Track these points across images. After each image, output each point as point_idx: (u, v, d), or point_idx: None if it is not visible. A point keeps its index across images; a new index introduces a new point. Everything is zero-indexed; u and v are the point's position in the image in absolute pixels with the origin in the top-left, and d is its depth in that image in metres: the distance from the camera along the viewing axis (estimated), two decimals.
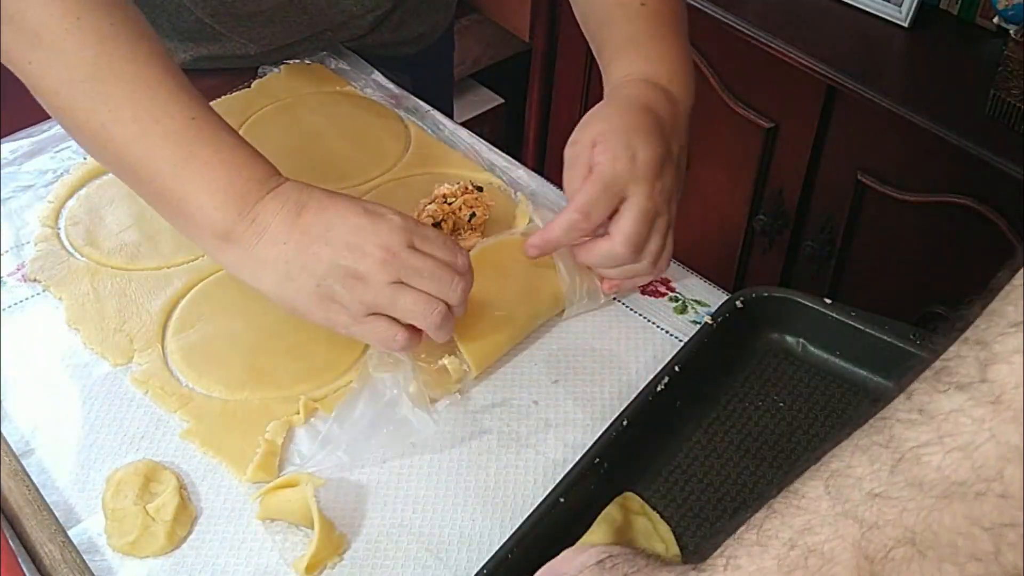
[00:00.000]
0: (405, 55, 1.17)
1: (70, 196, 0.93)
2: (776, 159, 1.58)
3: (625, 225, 0.78)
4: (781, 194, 1.59)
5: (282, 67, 1.09)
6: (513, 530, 0.64)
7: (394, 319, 0.71)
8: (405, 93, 1.07)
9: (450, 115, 1.08)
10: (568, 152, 0.81)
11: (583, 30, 0.93)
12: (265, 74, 1.08)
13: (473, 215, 0.89)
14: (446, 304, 0.71)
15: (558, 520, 0.66)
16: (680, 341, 0.81)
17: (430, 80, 1.19)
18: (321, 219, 0.71)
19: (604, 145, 0.78)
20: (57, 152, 0.98)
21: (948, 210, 1.38)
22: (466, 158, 1.00)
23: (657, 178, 0.78)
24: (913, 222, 1.44)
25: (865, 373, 0.77)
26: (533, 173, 0.98)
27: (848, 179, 1.49)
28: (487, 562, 0.62)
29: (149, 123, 0.71)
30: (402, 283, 0.70)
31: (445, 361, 0.77)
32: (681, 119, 0.84)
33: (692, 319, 0.84)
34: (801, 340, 0.79)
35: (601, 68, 0.89)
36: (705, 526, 0.68)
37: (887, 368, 0.76)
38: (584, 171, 0.78)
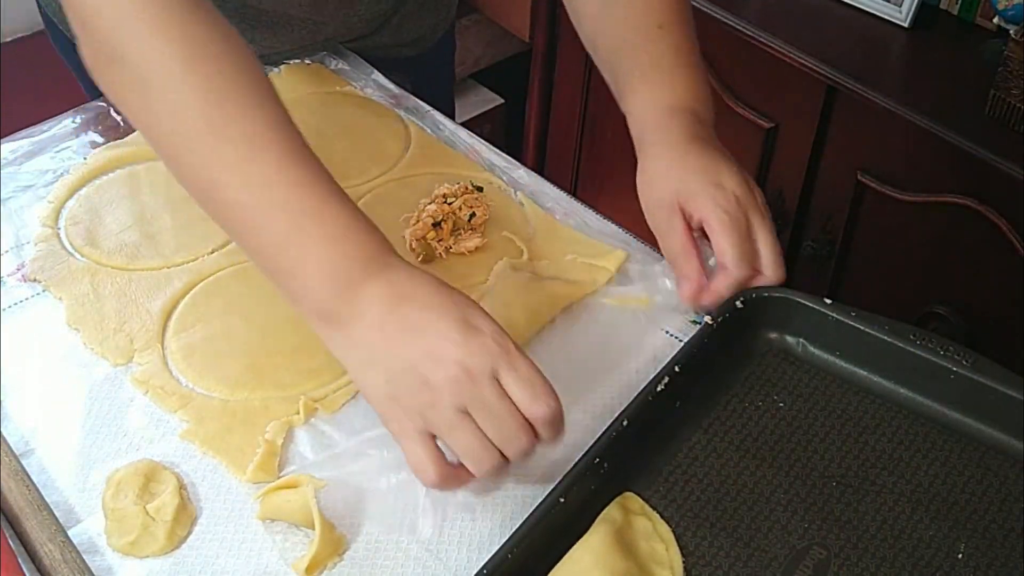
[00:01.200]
0: (406, 56, 1.17)
1: (70, 196, 0.93)
2: (776, 159, 1.58)
3: (767, 250, 0.78)
4: (781, 194, 1.59)
5: (282, 67, 1.09)
6: (513, 530, 0.64)
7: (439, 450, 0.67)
8: (405, 93, 1.07)
9: (452, 116, 1.08)
10: (656, 218, 0.80)
11: (592, 56, 0.90)
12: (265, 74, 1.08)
13: (473, 215, 0.89)
14: (503, 456, 0.66)
15: (558, 520, 0.66)
16: (680, 341, 0.81)
17: (431, 81, 1.18)
18: (417, 318, 0.66)
19: (695, 196, 0.78)
20: (57, 152, 0.98)
21: (948, 210, 1.38)
22: (466, 158, 1.00)
23: (752, 193, 0.79)
24: (913, 222, 1.44)
25: (865, 373, 0.77)
26: (533, 173, 0.98)
27: (848, 179, 1.48)
28: (487, 562, 0.62)
29: (258, 189, 0.68)
30: (467, 414, 0.65)
31: None
32: (711, 135, 0.83)
33: (692, 319, 0.84)
34: (801, 340, 0.79)
35: (617, 95, 0.86)
36: (705, 526, 0.68)
37: (887, 368, 0.76)
38: (683, 229, 0.78)
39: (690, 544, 0.67)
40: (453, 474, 0.66)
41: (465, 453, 0.66)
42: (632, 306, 0.85)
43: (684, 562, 0.66)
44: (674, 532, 0.68)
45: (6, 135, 0.99)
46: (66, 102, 1.03)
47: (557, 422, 0.66)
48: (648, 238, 0.87)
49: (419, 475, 0.66)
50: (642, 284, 0.86)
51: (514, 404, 0.65)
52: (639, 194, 0.81)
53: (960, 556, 0.67)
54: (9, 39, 2.56)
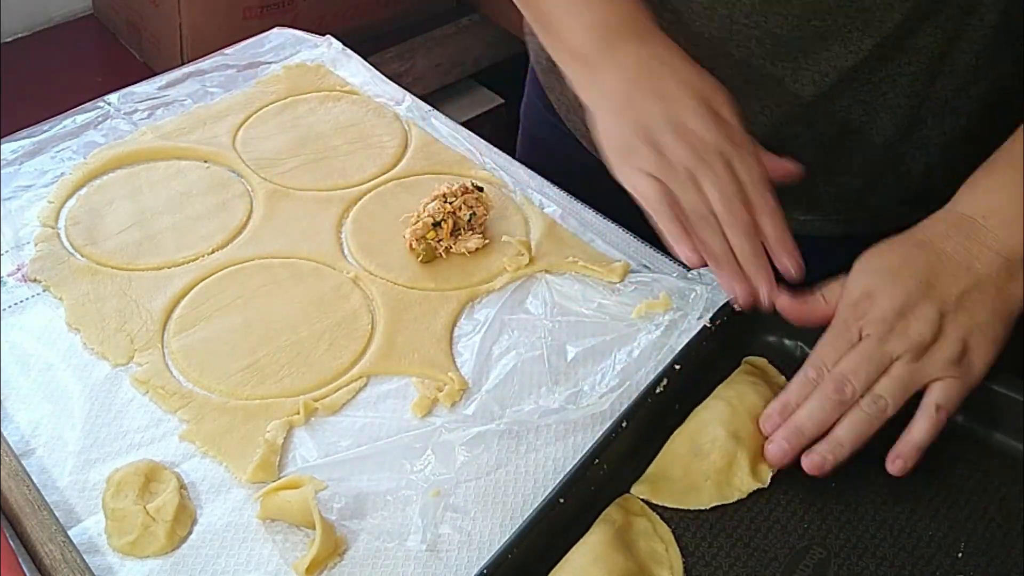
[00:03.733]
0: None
1: (70, 196, 0.93)
2: None
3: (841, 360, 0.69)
4: None
5: (282, 67, 1.09)
6: (513, 530, 0.64)
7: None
8: (405, 93, 1.07)
9: None
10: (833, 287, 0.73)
11: None
12: (266, 73, 1.08)
13: (473, 215, 0.89)
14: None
15: (558, 520, 0.66)
16: (679, 342, 0.81)
17: None
18: (667, 83, 0.72)
19: (849, 286, 0.71)
20: (57, 152, 0.98)
21: None
22: (466, 158, 1.00)
23: (897, 321, 0.68)
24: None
25: None
26: (533, 173, 0.98)
27: None
28: (487, 562, 0.62)
29: None
30: (695, 179, 0.70)
31: (449, 374, 0.78)
32: (982, 257, 0.69)
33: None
34: (800, 343, 0.79)
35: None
36: (705, 526, 0.68)
37: None
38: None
39: (690, 544, 0.67)
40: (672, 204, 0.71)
41: (690, 209, 0.70)
42: (627, 308, 0.85)
43: (684, 562, 0.66)
44: (674, 532, 0.68)
45: (6, 135, 0.99)
46: (66, 102, 1.03)
47: (776, 215, 0.71)
48: (645, 237, 0.87)
49: (642, 199, 0.71)
50: (635, 288, 0.86)
51: (740, 185, 0.70)
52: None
53: (960, 556, 0.67)
54: (9, 39, 2.56)
